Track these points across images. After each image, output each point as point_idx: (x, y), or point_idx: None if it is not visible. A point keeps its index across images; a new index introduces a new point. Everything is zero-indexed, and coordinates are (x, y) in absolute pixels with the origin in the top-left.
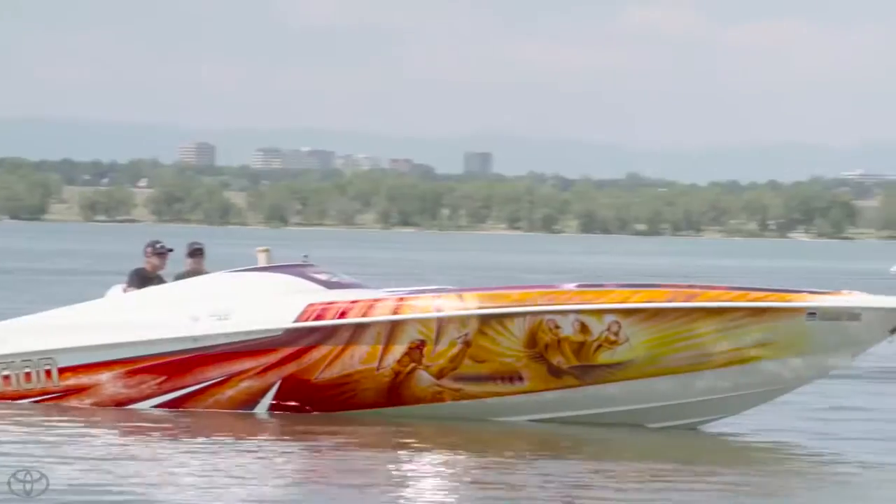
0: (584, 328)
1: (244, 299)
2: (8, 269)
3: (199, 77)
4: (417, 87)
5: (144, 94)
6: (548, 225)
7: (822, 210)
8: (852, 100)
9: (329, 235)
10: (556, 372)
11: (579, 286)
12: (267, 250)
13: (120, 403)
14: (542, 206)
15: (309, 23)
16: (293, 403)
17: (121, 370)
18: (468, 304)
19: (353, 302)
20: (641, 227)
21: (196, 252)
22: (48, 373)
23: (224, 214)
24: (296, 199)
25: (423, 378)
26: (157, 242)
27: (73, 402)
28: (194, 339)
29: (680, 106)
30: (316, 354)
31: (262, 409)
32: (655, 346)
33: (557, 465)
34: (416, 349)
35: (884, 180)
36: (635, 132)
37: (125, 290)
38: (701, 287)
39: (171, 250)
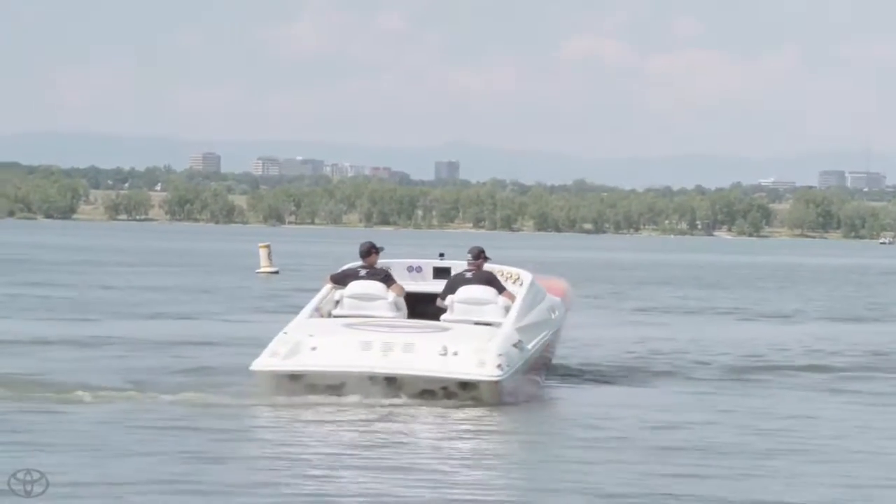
0: None
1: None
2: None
3: (208, 96)
4: (393, 105)
5: (159, 111)
6: (507, 224)
7: (742, 212)
8: (761, 118)
9: (319, 233)
10: None
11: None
12: (267, 246)
13: None
14: (502, 208)
15: (300, 52)
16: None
17: None
18: None
19: None
20: (588, 226)
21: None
22: None
23: (228, 214)
24: (290, 201)
25: None
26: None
27: None
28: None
29: (616, 121)
30: None
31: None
32: None
33: None
34: None
35: (793, 187)
36: (580, 144)
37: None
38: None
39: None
